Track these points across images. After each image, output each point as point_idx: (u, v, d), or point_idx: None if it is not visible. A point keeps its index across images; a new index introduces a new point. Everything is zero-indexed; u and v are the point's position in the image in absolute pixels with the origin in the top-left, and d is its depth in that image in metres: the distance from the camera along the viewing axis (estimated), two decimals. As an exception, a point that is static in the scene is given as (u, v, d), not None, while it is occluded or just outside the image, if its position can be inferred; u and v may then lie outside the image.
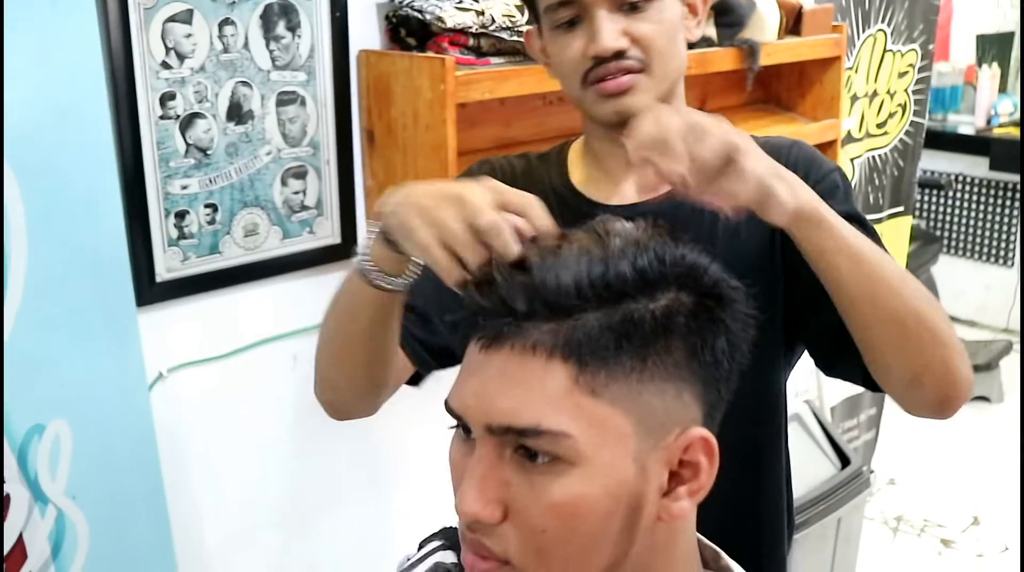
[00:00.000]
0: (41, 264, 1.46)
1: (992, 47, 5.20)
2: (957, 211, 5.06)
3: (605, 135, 1.23)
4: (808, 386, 3.13)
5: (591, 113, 1.21)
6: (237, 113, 1.66)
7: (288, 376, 1.85)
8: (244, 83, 1.66)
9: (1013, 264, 5.00)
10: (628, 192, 1.23)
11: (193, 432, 1.75)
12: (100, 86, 1.49)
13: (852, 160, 3.04)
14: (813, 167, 1.21)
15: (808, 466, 2.66)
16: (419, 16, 1.72)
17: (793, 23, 2.38)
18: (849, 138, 2.98)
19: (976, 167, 4.90)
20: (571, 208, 1.23)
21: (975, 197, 4.98)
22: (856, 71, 2.93)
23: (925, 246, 4.61)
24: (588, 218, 0.94)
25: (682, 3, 1.19)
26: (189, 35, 1.58)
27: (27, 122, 1.41)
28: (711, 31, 2.14)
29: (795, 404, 2.86)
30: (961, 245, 5.09)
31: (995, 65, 4.98)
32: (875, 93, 3.05)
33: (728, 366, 0.78)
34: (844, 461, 2.71)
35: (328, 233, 1.83)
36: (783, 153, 1.19)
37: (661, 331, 0.73)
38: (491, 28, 1.73)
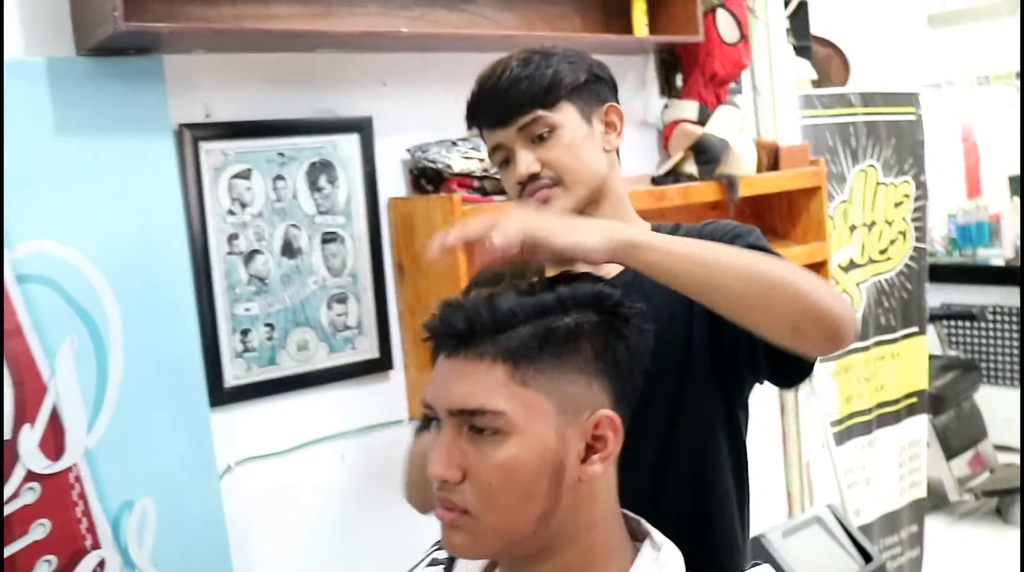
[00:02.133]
0: (134, 370, 1.84)
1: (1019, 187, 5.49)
2: (994, 341, 5.23)
3: None
4: (830, 494, 3.31)
5: None
6: (289, 250, 2.06)
7: (338, 472, 2.17)
8: (294, 225, 2.06)
9: (1058, 389, 5.11)
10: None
11: (256, 516, 2.06)
12: (180, 228, 1.90)
13: (858, 284, 3.33)
14: (728, 229, 1.41)
15: (832, 566, 2.84)
16: (433, 165, 2.12)
17: (773, 160, 2.74)
18: (852, 264, 3.28)
19: (1009, 297, 5.09)
20: None
21: (1010, 326, 5.16)
22: (851, 202, 3.25)
23: (964, 374, 4.79)
24: None
25: (599, 122, 1.45)
26: (249, 188, 2.00)
27: (125, 255, 1.82)
28: (692, 168, 2.51)
29: (817, 507, 3.06)
30: (1002, 374, 5.23)
31: (1016, 199, 5.25)
32: (873, 222, 3.36)
33: (627, 366, 1.09)
34: (867, 558, 2.88)
35: (367, 349, 2.18)
36: (706, 226, 1.44)
37: (572, 337, 1.05)
38: (492, 172, 2.11)
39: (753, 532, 2.73)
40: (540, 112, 1.40)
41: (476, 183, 2.13)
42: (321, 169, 2.09)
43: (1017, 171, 5.56)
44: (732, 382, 1.44)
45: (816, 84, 3.34)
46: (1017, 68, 5.18)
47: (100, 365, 1.80)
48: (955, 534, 4.48)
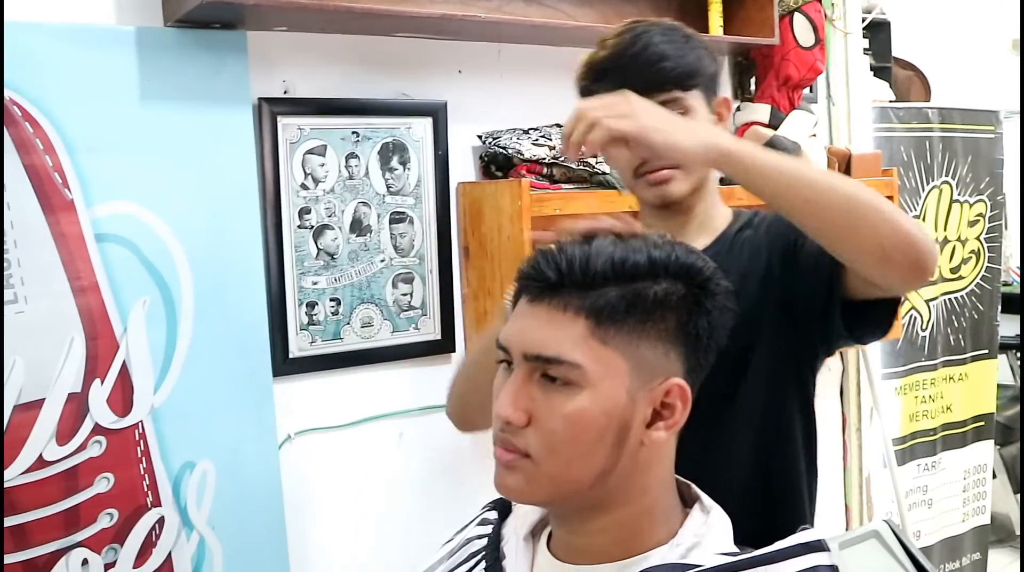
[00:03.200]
0: (202, 335, 1.88)
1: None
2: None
3: (652, 212, 1.54)
4: (896, 517, 3.25)
5: (641, 197, 1.53)
6: (358, 227, 2.09)
7: (394, 450, 2.20)
8: (364, 203, 2.10)
9: None
10: None
11: (312, 488, 2.10)
12: (254, 199, 1.95)
13: (928, 302, 3.28)
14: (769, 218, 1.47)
15: (888, 581, 2.78)
16: (504, 151, 2.14)
17: (844, 168, 2.72)
18: (923, 281, 3.22)
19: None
20: None
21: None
22: (923, 219, 3.21)
23: (1036, 406, 4.67)
24: None
25: (713, 112, 1.47)
26: (323, 164, 2.04)
27: (200, 221, 1.87)
28: (762, 170, 2.50)
29: (875, 522, 3.00)
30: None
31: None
32: (946, 240, 3.31)
33: (707, 341, 1.09)
34: (925, 578, 2.81)
35: (430, 330, 2.21)
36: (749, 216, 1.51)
37: (659, 305, 1.05)
38: (561, 159, 2.13)
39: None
40: (678, 93, 1.41)
41: (545, 170, 2.15)
42: (394, 150, 2.13)
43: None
44: (805, 344, 1.43)
45: (895, 100, 3.30)
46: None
47: (170, 327, 1.85)
48: (1020, 570, 4.36)
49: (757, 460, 1.43)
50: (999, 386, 3.90)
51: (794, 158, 1.28)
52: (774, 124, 2.55)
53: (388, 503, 2.20)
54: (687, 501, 1.15)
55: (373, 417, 2.16)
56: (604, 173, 2.18)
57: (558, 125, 2.29)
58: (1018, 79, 4.62)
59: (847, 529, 3.18)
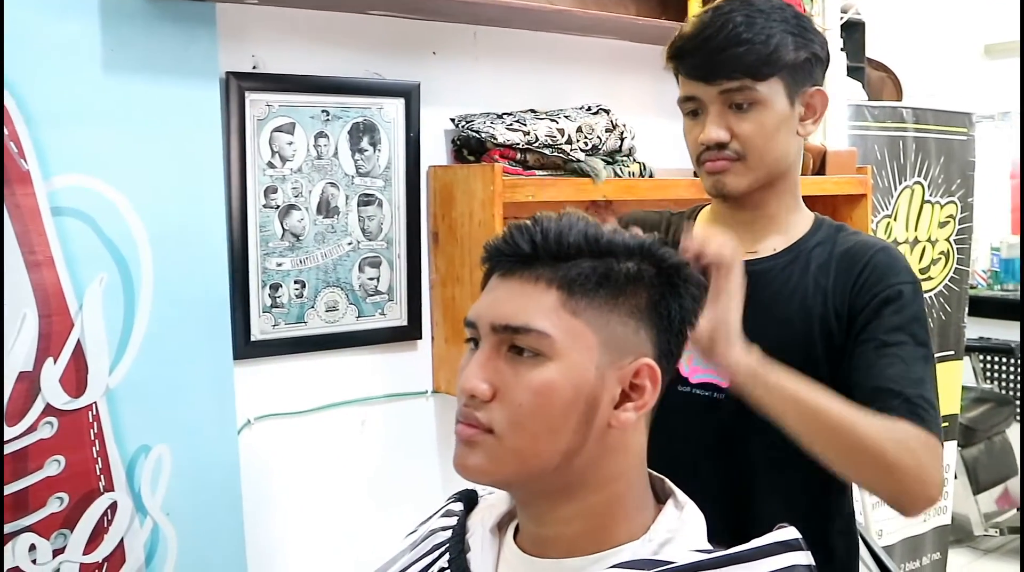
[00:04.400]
0: (161, 314, 1.83)
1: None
2: (1031, 377, 5.13)
3: (722, 204, 1.49)
4: (860, 520, 3.25)
5: (705, 186, 1.49)
6: (326, 208, 2.04)
7: (356, 438, 2.15)
8: (332, 184, 2.04)
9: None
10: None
11: (271, 475, 2.05)
12: (219, 176, 1.89)
13: (897, 302, 3.26)
14: (886, 274, 1.38)
15: (850, 580, 2.77)
16: (477, 136, 2.10)
17: (819, 164, 2.69)
18: (892, 281, 3.21)
19: (1050, 335, 5.00)
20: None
21: (1049, 363, 5.06)
22: (895, 219, 3.20)
23: (998, 409, 4.70)
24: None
25: (801, 104, 1.40)
26: (291, 142, 1.98)
27: (162, 199, 1.81)
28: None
29: (839, 522, 2.99)
30: (1038, 411, 5.12)
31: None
32: (916, 240, 3.30)
33: (678, 324, 1.06)
34: (887, 577, 2.81)
35: (396, 316, 2.16)
36: (867, 252, 1.40)
37: (631, 281, 1.02)
38: (536, 145, 2.09)
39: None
40: (748, 82, 1.35)
41: (518, 155, 2.11)
42: (364, 131, 2.08)
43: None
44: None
45: (868, 99, 3.29)
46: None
47: (128, 306, 1.79)
48: (978, 569, 4.39)
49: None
50: (963, 388, 3.92)
51: (816, 392, 1.26)
52: (750, 117, 2.51)
53: (349, 491, 2.15)
54: (660, 497, 1.11)
55: (335, 404, 2.11)
56: (579, 161, 2.14)
57: (533, 110, 2.25)
58: (1018, 79, 4.63)
59: (810, 527, 3.17)
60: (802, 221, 1.48)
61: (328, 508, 2.12)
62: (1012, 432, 4.78)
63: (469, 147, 2.16)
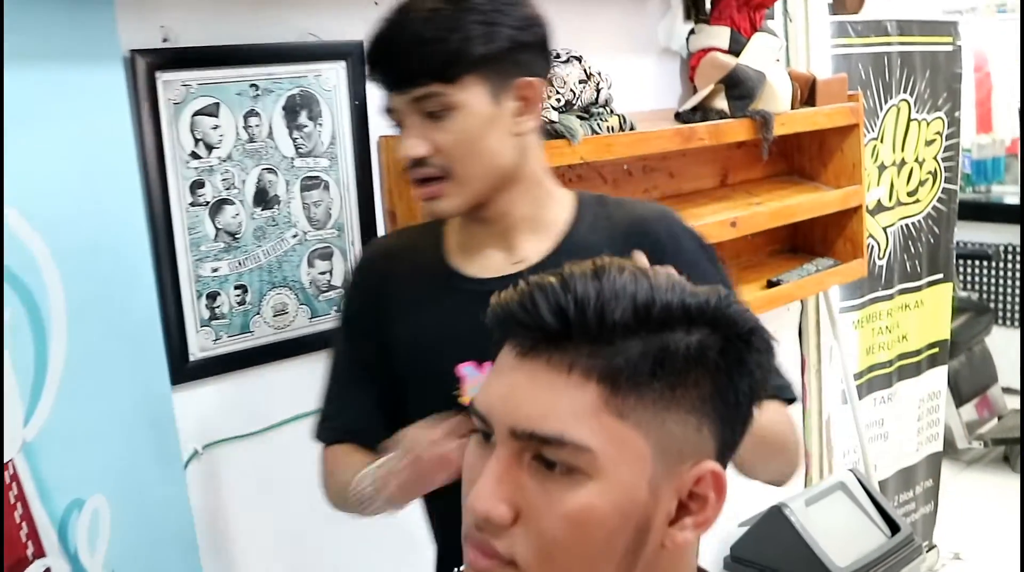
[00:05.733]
0: (80, 345, 1.54)
1: (1034, 117, 5.21)
2: (1008, 281, 5.00)
3: (460, 222, 1.37)
4: (857, 458, 3.09)
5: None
6: (263, 198, 1.76)
7: (321, 452, 1.90)
8: (269, 170, 1.76)
9: (1071, 331, 4.90)
10: (493, 264, 1.34)
11: (228, 510, 1.80)
12: (133, 176, 1.59)
13: (885, 229, 3.06)
14: (680, 245, 1.34)
15: (856, 535, 2.62)
16: (433, 100, 1.81)
17: (808, 94, 2.44)
18: (880, 207, 3.01)
19: (1024, 235, 4.86)
20: (441, 279, 1.36)
21: (1025, 266, 4.93)
22: (881, 141, 2.97)
23: (977, 318, 4.57)
24: (456, 290, 1.20)
25: (511, 99, 1.25)
26: (216, 127, 1.69)
27: (66, 210, 1.51)
28: (723, 104, 2.21)
29: (840, 472, 2.83)
30: (1015, 316, 5.01)
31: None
32: (903, 162, 3.08)
33: (746, 409, 0.82)
34: (893, 528, 2.66)
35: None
36: (650, 227, 1.34)
37: (693, 364, 0.77)
38: (502, 108, 1.81)
39: (773, 500, 2.52)
40: (437, 87, 1.21)
41: (482, 122, 1.83)
42: (301, 104, 1.78)
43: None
44: None
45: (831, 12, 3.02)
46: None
47: (38, 343, 1.50)
48: (963, 481, 4.32)
49: None
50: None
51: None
52: (735, 50, 2.25)
53: (315, 516, 1.90)
54: None
55: (293, 418, 1.85)
56: (552, 121, 1.86)
57: (493, 63, 1.96)
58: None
59: (807, 476, 3.01)
60: (562, 210, 1.36)
61: (294, 535, 1.89)
62: (991, 340, 4.66)
63: (424, 112, 1.87)
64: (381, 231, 1.93)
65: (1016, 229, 4.84)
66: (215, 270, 1.72)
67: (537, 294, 0.76)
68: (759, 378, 0.81)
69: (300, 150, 1.79)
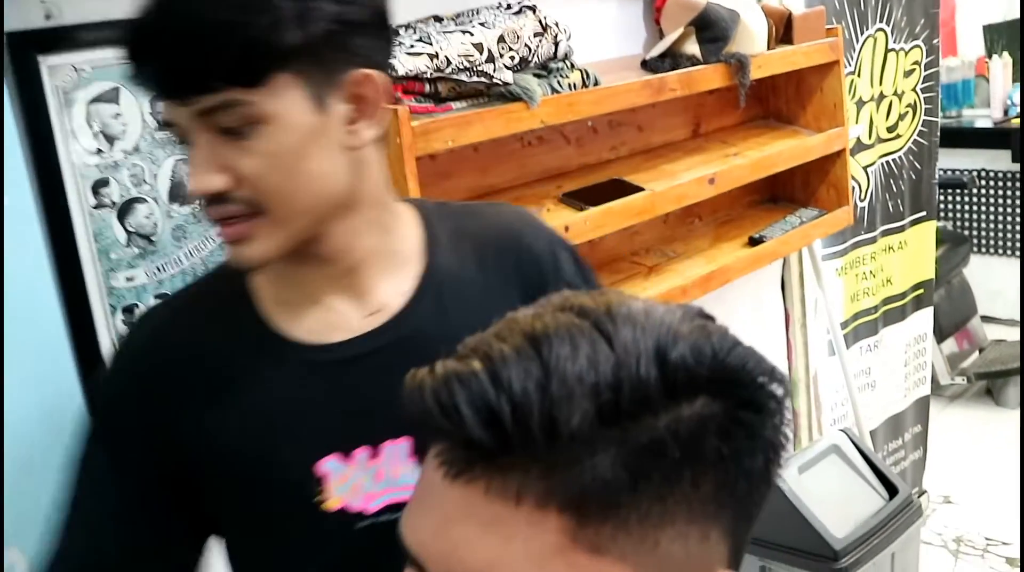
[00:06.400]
0: (-27, 382, 1.32)
1: (1001, 37, 5.03)
2: (983, 208, 4.86)
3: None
4: (845, 412, 2.94)
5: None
6: (180, 193, 1.53)
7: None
8: (184, 161, 1.52)
9: (1048, 255, 4.79)
10: (339, 320, 1.01)
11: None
12: (21, 181, 1.36)
13: (865, 168, 2.88)
14: (555, 255, 1.13)
15: (853, 501, 2.47)
16: (369, 67, 1.58)
17: (784, 31, 2.23)
18: (860, 145, 2.82)
19: (998, 161, 4.70)
20: (260, 347, 1.00)
21: (1000, 191, 4.78)
22: (859, 75, 2.77)
23: (955, 248, 4.42)
24: (286, 361, 0.94)
25: (342, 101, 0.92)
26: (118, 115, 1.45)
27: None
28: (694, 48, 2.00)
29: (832, 433, 2.67)
30: (992, 243, 4.87)
31: (1005, 54, 4.80)
32: (882, 95, 2.89)
33: (765, 487, 0.61)
34: (891, 490, 2.50)
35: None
36: (523, 240, 1.11)
37: (689, 460, 0.55)
38: (447, 71, 1.58)
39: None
40: (235, 94, 0.86)
41: (426, 87, 1.60)
42: (217, 80, 1.55)
43: (994, 20, 5.12)
44: None
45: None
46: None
47: (-80, 384, 1.28)
48: (947, 418, 4.21)
49: None
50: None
51: None
52: (704, -12, 2.03)
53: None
54: None
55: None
56: (506, 83, 1.64)
57: (437, 18, 1.72)
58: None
59: (795, 435, 2.85)
60: (411, 233, 1.05)
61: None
62: (968, 271, 4.52)
63: (360, 81, 1.64)
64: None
65: (991, 153, 4.69)
66: (130, 280, 1.49)
67: (457, 391, 0.54)
68: (778, 442, 0.60)
69: (220, 134, 1.56)
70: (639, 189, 1.89)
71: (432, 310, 1.01)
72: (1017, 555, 3.25)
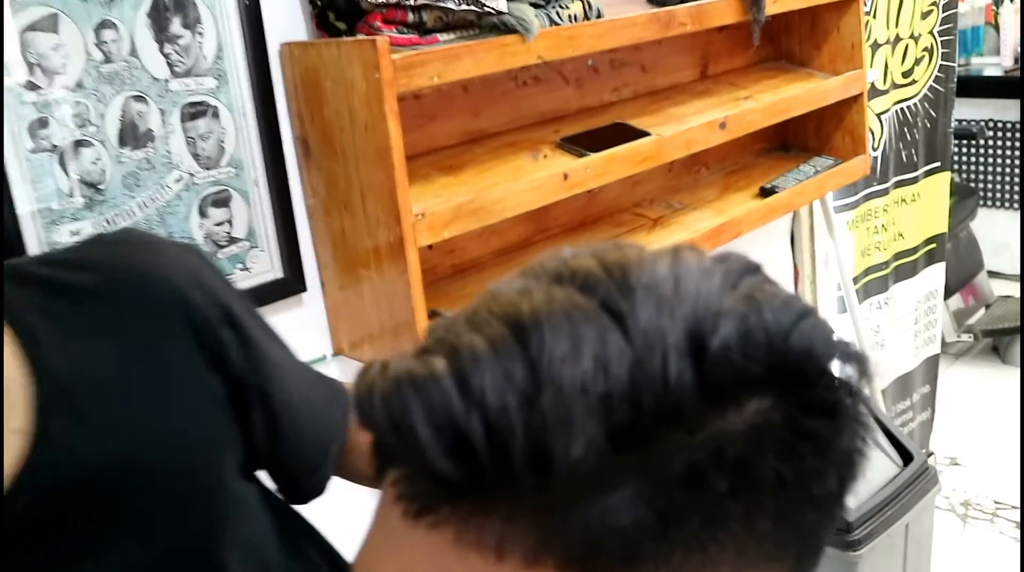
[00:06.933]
0: None
1: (1011, -19, 4.84)
2: (991, 160, 4.69)
3: None
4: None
5: None
6: (132, 135, 1.35)
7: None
8: (137, 98, 1.35)
9: (1057, 209, 4.63)
10: None
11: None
12: (-59, 119, 1.18)
13: (879, 115, 2.71)
14: (226, 307, 0.86)
15: (867, 470, 2.33)
16: (344, -7, 1.41)
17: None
18: (874, 91, 2.64)
19: (1006, 111, 4.52)
20: None
21: (1009, 143, 4.61)
22: (874, 16, 2.59)
23: (962, 201, 4.25)
24: None
25: None
26: (57, 46, 1.27)
27: None
28: (705, -20, 1.82)
29: (844, 397, 2.53)
30: (1000, 196, 4.71)
31: (1017, 0, 4.60)
32: (898, 38, 2.71)
33: (836, 513, 0.45)
34: (906, 457, 2.37)
35: (267, 267, 1.52)
36: (182, 293, 0.83)
37: (739, 491, 0.39)
38: (434, -2, 1.41)
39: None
40: None
41: (410, 16, 1.43)
42: (173, 8, 1.36)
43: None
44: None
45: None
46: None
47: None
48: (953, 376, 4.08)
49: None
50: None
51: None
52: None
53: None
54: None
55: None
56: (499, 12, 1.46)
57: (419, -58, 1.54)
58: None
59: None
60: None
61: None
62: (976, 224, 4.37)
63: (337, 10, 1.46)
64: (292, 165, 1.53)
65: (999, 103, 4.51)
66: (75, 234, 1.32)
67: (412, 402, 0.38)
68: (856, 451, 0.44)
69: (176, 69, 1.38)
70: (644, 134, 1.72)
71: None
72: (1029, 519, 3.14)
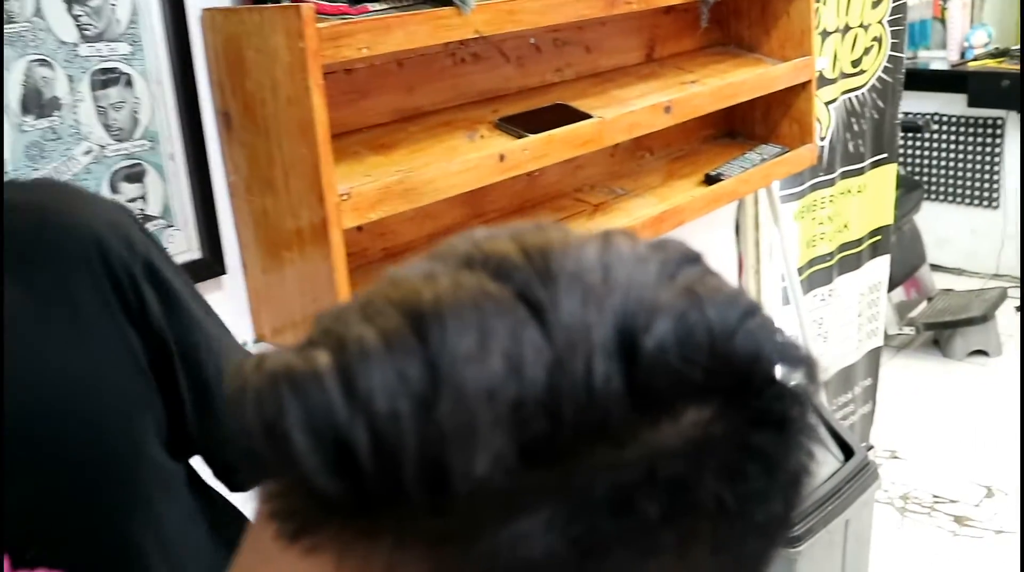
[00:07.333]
0: None
1: (958, -24, 4.86)
2: (936, 153, 4.71)
3: None
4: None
5: None
6: (36, 103, 1.26)
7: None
8: (41, 62, 1.25)
9: (999, 205, 4.66)
10: None
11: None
12: None
13: (828, 104, 2.67)
14: (155, 269, 0.81)
15: (807, 464, 2.30)
16: (269, -44, 1.32)
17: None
18: (822, 80, 2.61)
19: (953, 105, 4.54)
20: None
21: (954, 137, 4.63)
22: (824, 3, 2.55)
23: (907, 194, 4.26)
24: None
25: None
26: (-50, 2, 1.18)
27: None
28: (652, -42, 1.76)
29: (785, 390, 2.50)
30: (943, 189, 4.74)
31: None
32: (847, 27, 2.68)
33: (780, 537, 0.39)
34: (847, 452, 2.34)
35: (184, 248, 1.43)
36: (102, 245, 0.77)
37: (672, 518, 0.33)
38: (364, -35, 1.33)
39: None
40: None
41: (339, -15, 1.35)
42: (80, -34, 1.27)
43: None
44: None
45: None
46: None
47: None
48: (894, 369, 4.09)
49: None
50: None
51: None
52: None
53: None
54: None
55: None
56: (434, -17, 1.39)
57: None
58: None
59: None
60: None
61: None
62: (920, 217, 4.38)
63: (260, -25, 1.38)
64: (213, 139, 1.45)
65: (946, 96, 4.53)
66: (-30, 206, 1.23)
67: (288, 403, 0.32)
68: (802, 470, 0.37)
69: (86, 32, 1.29)
70: (586, 116, 1.66)
71: None
72: (965, 513, 3.14)
